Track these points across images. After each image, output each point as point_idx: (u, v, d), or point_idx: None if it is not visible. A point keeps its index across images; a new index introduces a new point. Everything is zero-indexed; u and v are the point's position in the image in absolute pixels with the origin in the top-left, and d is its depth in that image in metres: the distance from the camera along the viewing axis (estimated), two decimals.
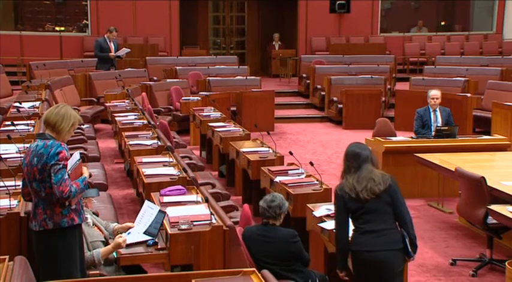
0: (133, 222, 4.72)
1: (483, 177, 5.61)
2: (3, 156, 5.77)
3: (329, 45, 18.12)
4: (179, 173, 6.04)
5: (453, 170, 6.33)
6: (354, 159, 4.31)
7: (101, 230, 4.68)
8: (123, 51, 13.57)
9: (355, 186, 4.22)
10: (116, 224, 4.89)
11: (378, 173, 4.29)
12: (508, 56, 16.42)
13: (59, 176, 3.92)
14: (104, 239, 4.58)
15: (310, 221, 5.28)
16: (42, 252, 4.03)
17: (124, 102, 10.63)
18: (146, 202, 4.88)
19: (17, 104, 8.95)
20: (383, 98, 12.90)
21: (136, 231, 4.61)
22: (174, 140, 8.87)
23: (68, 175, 3.97)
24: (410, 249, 4.23)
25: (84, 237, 4.41)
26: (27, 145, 6.25)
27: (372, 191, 4.19)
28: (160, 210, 4.72)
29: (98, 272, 4.33)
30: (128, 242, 4.52)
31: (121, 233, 4.61)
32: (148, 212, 4.72)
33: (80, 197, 4.14)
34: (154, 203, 5.04)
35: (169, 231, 4.47)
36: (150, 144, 7.36)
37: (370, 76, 13.57)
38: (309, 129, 12.65)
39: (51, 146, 4.00)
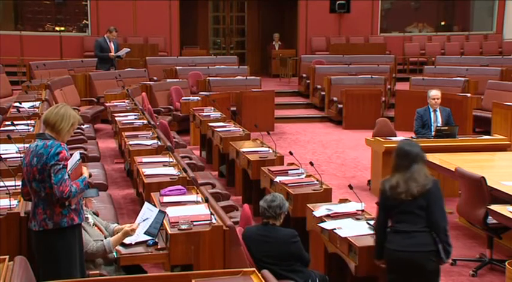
0: (133, 223, 4.73)
1: (483, 177, 5.61)
2: (3, 156, 5.77)
3: (329, 45, 18.12)
4: (179, 173, 6.05)
5: (453, 170, 6.33)
6: (404, 158, 4.40)
7: (101, 230, 4.68)
8: (123, 51, 13.57)
9: (400, 185, 4.32)
10: (116, 224, 4.89)
11: (423, 174, 4.34)
12: (508, 56, 16.42)
13: (59, 176, 3.92)
14: (103, 239, 4.58)
15: (310, 221, 5.28)
16: (42, 252, 4.03)
17: (124, 102, 10.63)
18: (146, 204, 4.88)
19: (17, 104, 8.95)
20: (383, 98, 12.90)
21: (136, 233, 4.61)
22: (174, 140, 8.87)
23: (68, 175, 3.97)
24: (442, 254, 4.30)
25: (88, 235, 4.42)
26: (27, 145, 6.24)
27: (410, 193, 4.28)
28: (160, 210, 4.73)
29: (98, 272, 4.33)
30: (128, 242, 4.52)
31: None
32: (147, 213, 4.73)
33: (80, 197, 4.14)
34: (154, 204, 5.05)
35: (169, 231, 4.47)
36: (150, 144, 7.36)
37: (370, 76, 13.57)
38: (309, 129, 12.65)
39: (51, 146, 4.00)
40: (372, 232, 4.67)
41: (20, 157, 5.93)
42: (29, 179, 4.05)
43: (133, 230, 4.46)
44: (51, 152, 3.98)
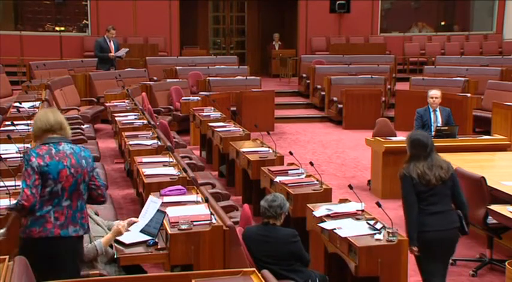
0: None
1: (483, 177, 5.61)
2: (3, 156, 5.76)
3: (329, 45, 18.12)
4: (179, 173, 6.04)
5: None
6: (423, 148, 4.85)
7: (103, 229, 4.68)
8: (123, 51, 13.57)
9: (427, 172, 4.76)
10: (119, 221, 4.89)
11: (442, 160, 4.89)
12: (508, 56, 16.42)
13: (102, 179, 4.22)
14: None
15: (310, 221, 5.28)
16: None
17: (124, 102, 10.63)
18: (150, 197, 4.89)
19: (17, 104, 8.94)
20: (383, 98, 12.90)
21: (139, 226, 4.62)
22: (174, 140, 8.86)
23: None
24: (467, 229, 4.87)
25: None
26: (27, 145, 6.28)
27: (441, 178, 4.77)
28: (160, 210, 4.73)
29: (98, 272, 4.33)
30: (128, 242, 4.52)
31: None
32: (152, 206, 4.74)
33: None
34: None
35: (169, 231, 4.47)
36: (150, 144, 7.36)
37: (370, 76, 13.57)
38: (309, 129, 12.65)
39: (85, 150, 4.19)
40: (372, 232, 4.68)
41: (20, 157, 5.93)
42: (76, 181, 4.04)
43: (124, 227, 4.45)
44: (91, 155, 4.17)
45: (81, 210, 4.08)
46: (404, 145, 7.91)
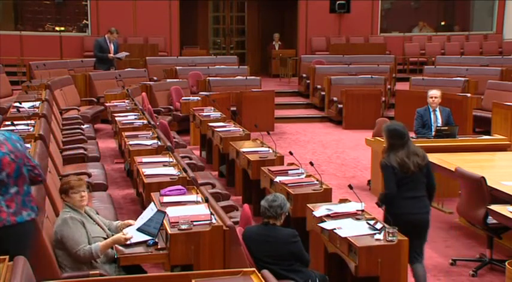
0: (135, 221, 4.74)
1: (483, 177, 5.61)
2: None
3: (329, 45, 18.12)
4: (179, 173, 6.04)
5: (453, 170, 6.33)
6: (400, 137, 5.14)
7: (103, 229, 4.68)
8: (122, 54, 13.60)
9: (406, 160, 5.06)
10: (119, 221, 4.90)
11: (417, 148, 5.19)
12: (508, 56, 16.42)
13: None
14: (105, 236, 4.59)
15: (310, 221, 5.28)
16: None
17: (124, 102, 10.63)
18: (151, 204, 4.90)
19: (17, 104, 8.94)
20: (383, 98, 12.90)
21: (134, 228, 4.63)
22: (174, 140, 8.86)
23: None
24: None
25: (86, 234, 4.43)
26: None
27: (418, 165, 5.09)
28: (160, 210, 4.73)
29: (98, 272, 4.33)
30: (128, 242, 4.52)
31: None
32: (149, 212, 4.74)
33: None
34: (155, 204, 5.06)
35: (169, 231, 4.47)
36: (150, 144, 7.35)
37: (370, 76, 13.57)
38: (309, 129, 12.65)
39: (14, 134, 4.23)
40: (372, 232, 4.68)
41: None
42: (19, 166, 4.01)
43: (126, 240, 4.44)
44: (20, 137, 4.21)
45: (28, 193, 4.08)
46: None
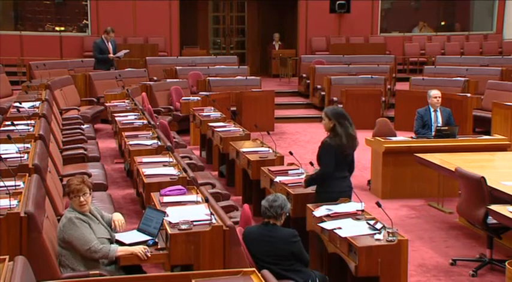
0: (132, 222, 4.74)
1: (483, 177, 5.61)
2: (3, 156, 5.75)
3: (329, 45, 18.12)
4: (179, 173, 6.04)
5: (453, 170, 6.33)
6: (344, 118, 5.43)
7: (107, 229, 4.68)
8: (122, 53, 13.59)
9: (345, 142, 5.36)
10: (110, 215, 4.88)
11: (354, 131, 5.44)
12: (508, 56, 16.41)
13: None
14: (109, 237, 4.59)
15: (310, 221, 5.28)
16: None
17: (124, 102, 10.63)
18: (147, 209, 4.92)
19: (17, 104, 8.94)
20: (383, 98, 12.90)
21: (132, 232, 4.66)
22: (174, 140, 8.86)
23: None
24: None
25: (93, 233, 4.43)
26: (28, 145, 6.28)
27: (353, 147, 5.47)
28: (160, 210, 4.73)
29: (98, 272, 4.33)
30: (128, 242, 4.53)
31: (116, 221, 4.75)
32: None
33: None
34: (155, 205, 5.06)
35: (169, 231, 4.47)
36: (150, 144, 7.35)
37: (370, 76, 13.56)
38: (309, 129, 12.65)
39: None
40: (372, 232, 4.68)
41: (20, 157, 5.93)
42: None
43: (143, 256, 4.37)
44: None
45: None
46: (404, 145, 8.03)
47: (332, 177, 5.42)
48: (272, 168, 6.58)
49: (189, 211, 4.87)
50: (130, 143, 7.46)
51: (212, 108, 10.43)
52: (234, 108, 11.86)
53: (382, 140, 8.13)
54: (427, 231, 6.86)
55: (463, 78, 12.87)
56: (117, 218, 4.80)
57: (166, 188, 5.52)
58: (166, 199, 5.29)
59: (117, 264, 4.47)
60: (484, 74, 13.45)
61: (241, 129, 8.81)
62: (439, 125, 8.42)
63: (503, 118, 10.12)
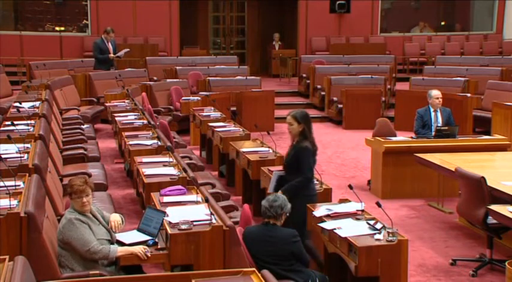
0: (132, 222, 4.74)
1: (483, 177, 5.61)
2: (3, 156, 5.75)
3: (329, 45, 18.12)
4: (179, 173, 6.05)
5: (453, 170, 6.33)
6: (309, 121, 5.58)
7: (107, 230, 4.68)
8: (122, 52, 13.59)
9: (314, 144, 5.58)
10: (108, 214, 4.88)
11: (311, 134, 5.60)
12: (508, 56, 16.40)
13: None
14: (110, 238, 4.59)
15: (310, 221, 5.28)
16: None
17: (124, 102, 10.63)
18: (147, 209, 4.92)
19: (17, 104, 8.94)
20: (383, 98, 12.90)
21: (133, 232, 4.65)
22: (174, 140, 8.86)
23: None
24: None
25: (92, 234, 4.43)
26: (28, 145, 6.28)
27: (317, 149, 5.65)
28: (160, 210, 4.73)
29: (98, 272, 4.33)
30: (128, 242, 4.53)
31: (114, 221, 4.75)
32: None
33: None
34: (155, 205, 5.06)
35: (169, 231, 4.47)
36: (150, 144, 7.35)
37: (370, 76, 13.56)
38: None
39: None
40: (372, 232, 4.68)
41: (20, 157, 5.93)
42: None
43: (143, 256, 4.38)
44: None
45: None
46: (404, 145, 8.03)
47: (310, 180, 5.56)
48: (272, 168, 6.57)
49: (189, 211, 4.88)
50: (130, 143, 7.47)
51: (212, 108, 10.42)
52: (234, 108, 11.86)
53: (382, 140, 8.13)
54: (427, 231, 6.86)
55: (463, 78, 12.87)
56: (114, 218, 4.79)
57: (166, 188, 5.52)
58: (166, 199, 5.29)
59: (118, 264, 4.47)
60: (484, 74, 13.44)
61: (241, 129, 8.81)
62: (439, 125, 8.42)
63: (503, 118, 10.12)
